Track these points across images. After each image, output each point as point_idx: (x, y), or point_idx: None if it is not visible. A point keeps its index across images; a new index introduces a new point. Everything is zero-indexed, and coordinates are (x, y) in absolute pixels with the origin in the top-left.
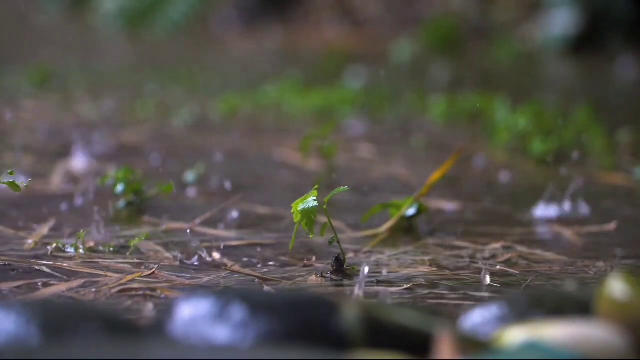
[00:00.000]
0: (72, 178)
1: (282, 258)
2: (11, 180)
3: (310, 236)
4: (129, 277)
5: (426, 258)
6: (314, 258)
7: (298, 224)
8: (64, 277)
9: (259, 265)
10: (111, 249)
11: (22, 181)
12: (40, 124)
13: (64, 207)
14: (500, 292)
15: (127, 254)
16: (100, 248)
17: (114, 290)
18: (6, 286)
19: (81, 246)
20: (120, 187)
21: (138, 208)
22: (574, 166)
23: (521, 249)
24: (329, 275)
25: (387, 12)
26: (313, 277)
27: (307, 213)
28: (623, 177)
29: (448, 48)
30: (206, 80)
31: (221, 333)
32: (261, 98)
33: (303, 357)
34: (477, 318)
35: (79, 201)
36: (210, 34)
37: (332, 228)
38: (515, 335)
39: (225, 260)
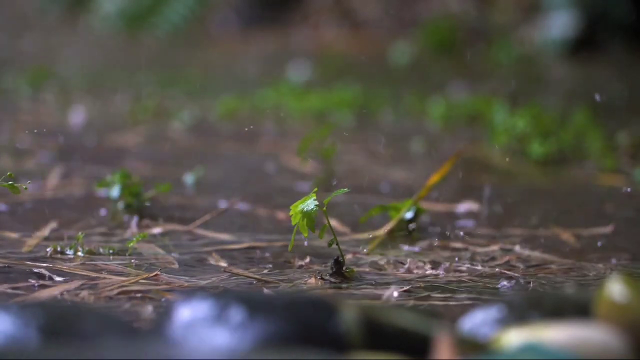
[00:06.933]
0: (71, 180)
1: (281, 260)
2: (10, 183)
3: (305, 235)
4: (128, 279)
5: (425, 260)
6: (308, 259)
7: (297, 226)
8: (63, 279)
9: (258, 267)
10: (111, 251)
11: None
12: (39, 125)
13: (62, 209)
14: (500, 294)
15: (126, 255)
16: (100, 250)
17: (113, 293)
18: (5, 288)
19: (80, 248)
20: (118, 190)
21: (137, 210)
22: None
23: (520, 250)
24: (328, 277)
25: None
26: (312, 279)
27: (307, 215)
28: (622, 179)
29: (447, 50)
30: (205, 83)
31: (220, 335)
32: (259, 101)
33: (302, 359)
34: (476, 320)
35: (78, 203)
36: (208, 36)
37: (331, 230)
38: (514, 337)
39: (224, 263)
